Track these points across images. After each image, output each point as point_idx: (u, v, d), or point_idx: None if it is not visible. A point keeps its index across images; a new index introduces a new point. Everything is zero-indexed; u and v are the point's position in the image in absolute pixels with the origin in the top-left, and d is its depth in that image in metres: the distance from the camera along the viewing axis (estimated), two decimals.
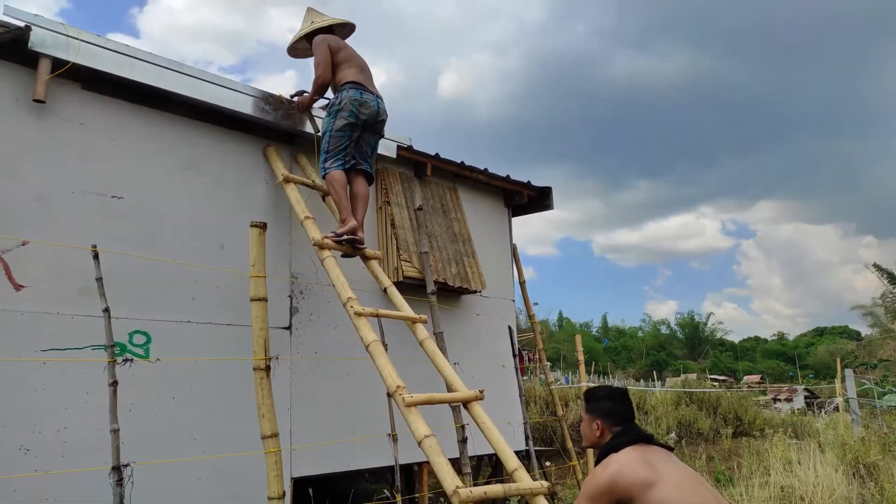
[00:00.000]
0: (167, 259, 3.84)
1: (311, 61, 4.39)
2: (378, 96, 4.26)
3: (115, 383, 2.93)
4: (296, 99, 4.52)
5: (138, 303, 3.72)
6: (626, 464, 2.39)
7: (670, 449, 2.59)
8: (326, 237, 3.96)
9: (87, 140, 3.71)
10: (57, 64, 3.53)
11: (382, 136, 4.51)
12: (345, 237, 4.01)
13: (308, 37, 4.51)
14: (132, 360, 3.55)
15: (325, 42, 4.30)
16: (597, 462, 2.55)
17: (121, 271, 3.65)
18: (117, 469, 2.86)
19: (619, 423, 2.65)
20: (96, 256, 3.04)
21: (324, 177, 4.15)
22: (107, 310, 2.98)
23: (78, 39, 3.60)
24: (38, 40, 3.46)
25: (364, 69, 4.32)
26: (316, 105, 4.56)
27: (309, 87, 4.43)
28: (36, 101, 3.50)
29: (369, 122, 4.20)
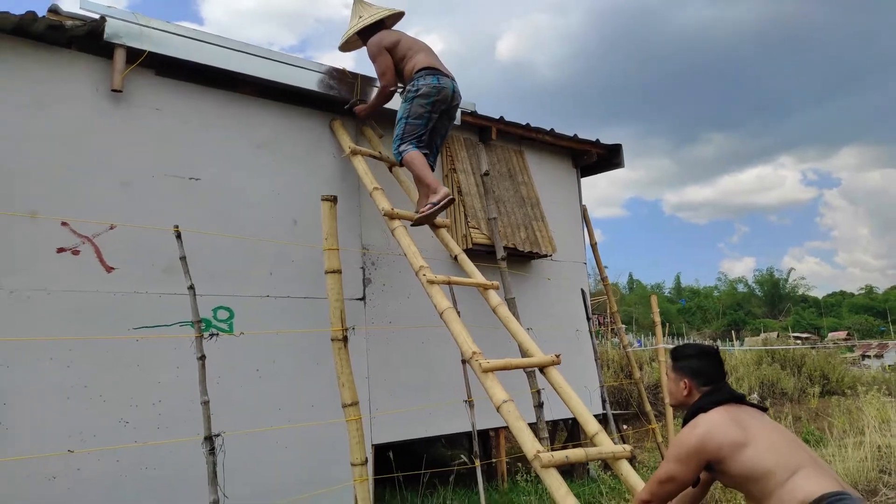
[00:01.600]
0: (244, 237, 3.96)
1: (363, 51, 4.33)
2: (453, 79, 4.14)
3: (203, 357, 3.05)
4: (354, 108, 4.49)
5: (220, 279, 3.86)
6: (716, 424, 2.32)
7: (764, 409, 2.49)
8: (422, 211, 3.92)
9: (163, 125, 3.84)
10: (130, 52, 3.64)
11: (455, 122, 4.42)
12: (442, 202, 3.93)
13: (360, 33, 4.36)
14: (217, 334, 3.69)
15: (382, 45, 4.15)
16: (684, 423, 2.49)
17: (201, 250, 3.79)
18: (209, 439, 2.99)
19: (708, 382, 2.55)
20: (179, 236, 3.15)
21: (400, 162, 4.08)
22: (192, 287, 3.09)
23: (149, 27, 3.70)
24: (113, 31, 3.58)
25: (430, 51, 4.21)
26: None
27: (365, 73, 4.41)
28: (114, 90, 3.63)
29: (445, 108, 4.12)
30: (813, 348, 16.48)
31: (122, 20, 3.60)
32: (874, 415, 6.51)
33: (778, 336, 28.82)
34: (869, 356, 26.65)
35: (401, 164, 4.11)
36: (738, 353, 14.86)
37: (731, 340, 27.19)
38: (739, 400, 2.49)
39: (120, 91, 3.64)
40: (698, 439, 2.31)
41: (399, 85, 4.37)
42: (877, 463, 5.03)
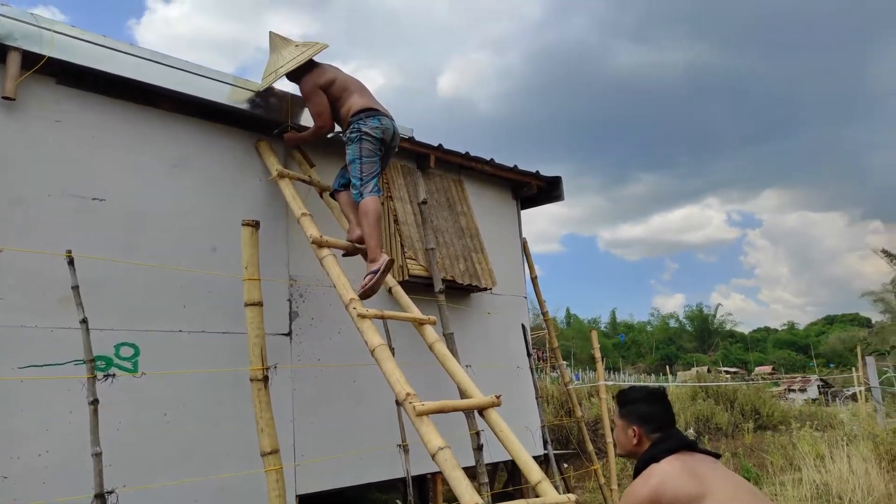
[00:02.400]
0: (155, 264, 3.57)
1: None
2: (391, 118, 3.98)
3: (95, 401, 2.66)
4: (284, 135, 4.22)
5: (125, 313, 3.45)
6: (670, 475, 2.11)
7: (716, 456, 2.31)
8: (364, 284, 3.61)
9: (63, 138, 3.44)
10: (27, 57, 3.26)
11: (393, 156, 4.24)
12: (382, 269, 3.66)
13: (289, 74, 4.02)
14: (114, 375, 3.27)
15: (316, 86, 3.92)
16: (635, 473, 2.27)
17: (105, 279, 3.39)
18: (101, 497, 2.59)
19: (658, 428, 2.37)
20: (71, 262, 2.77)
21: (358, 202, 3.81)
22: (84, 321, 2.71)
23: (50, 30, 3.33)
24: (6, 32, 3.19)
25: (365, 90, 4.02)
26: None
27: (296, 92, 4.13)
28: (6, 97, 3.23)
29: (390, 145, 3.98)
30: (744, 382, 16.84)
31: (18, 20, 3.22)
32: (808, 451, 6.52)
33: (709, 370, 29.54)
34: (794, 390, 27.60)
35: (357, 203, 3.84)
36: (673, 388, 15.01)
37: (666, 374, 27.67)
38: (691, 447, 2.30)
39: (13, 99, 3.24)
40: (651, 492, 2.09)
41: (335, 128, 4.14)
42: (818, 502, 4.97)
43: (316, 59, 4.04)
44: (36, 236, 3.23)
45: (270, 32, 4.10)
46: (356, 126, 3.81)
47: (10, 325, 3.08)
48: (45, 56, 3.25)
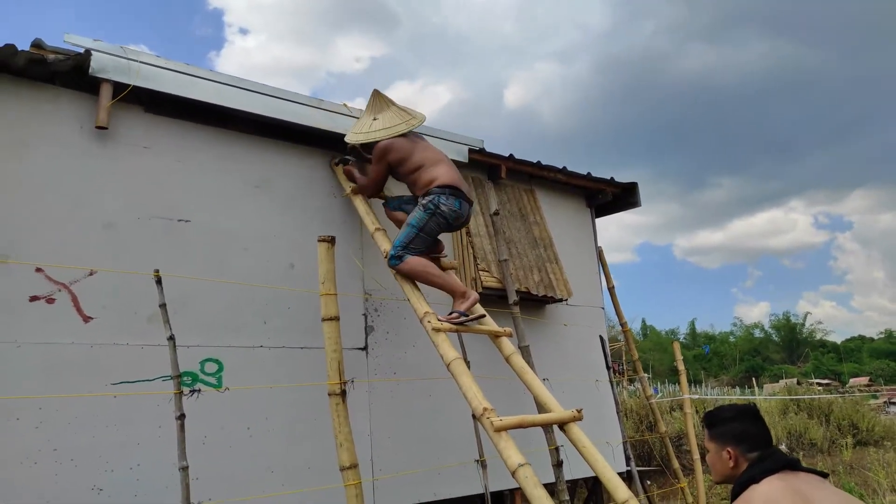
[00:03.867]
0: (236, 281, 3.67)
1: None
2: (471, 203, 3.84)
3: (182, 416, 2.73)
4: (347, 163, 4.22)
5: (209, 329, 3.56)
6: (773, 497, 1.96)
7: (823, 475, 2.13)
8: (443, 319, 3.49)
9: (151, 163, 3.60)
10: (117, 88, 3.44)
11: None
12: (472, 314, 3.57)
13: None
14: (199, 390, 3.37)
15: (386, 157, 3.80)
16: (733, 497, 2.12)
17: (190, 297, 3.51)
18: None
19: (755, 447, 2.20)
20: (159, 281, 2.87)
21: (396, 266, 3.65)
22: (171, 337, 2.80)
23: (137, 61, 3.50)
24: (99, 66, 3.38)
25: (452, 166, 3.84)
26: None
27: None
28: (99, 127, 3.42)
29: (454, 226, 3.83)
30: (839, 395, 15.84)
31: (109, 54, 3.41)
32: None
33: (799, 382, 27.98)
34: (895, 403, 25.75)
35: (393, 268, 3.68)
36: (761, 402, 14.26)
37: (751, 387, 26.38)
38: (794, 466, 2.13)
39: (105, 128, 3.42)
40: None
41: (397, 195, 4.12)
42: None
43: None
44: (126, 258, 3.39)
45: (375, 90, 4.01)
46: (436, 200, 3.64)
47: (103, 343, 3.23)
48: (130, 85, 3.41)
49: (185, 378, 3.32)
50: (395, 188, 4.42)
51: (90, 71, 3.35)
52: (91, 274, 3.27)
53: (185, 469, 2.69)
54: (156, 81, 3.54)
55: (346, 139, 4.04)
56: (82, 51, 3.38)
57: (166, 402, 3.21)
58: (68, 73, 3.39)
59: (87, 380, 3.14)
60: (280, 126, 4.02)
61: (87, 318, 3.22)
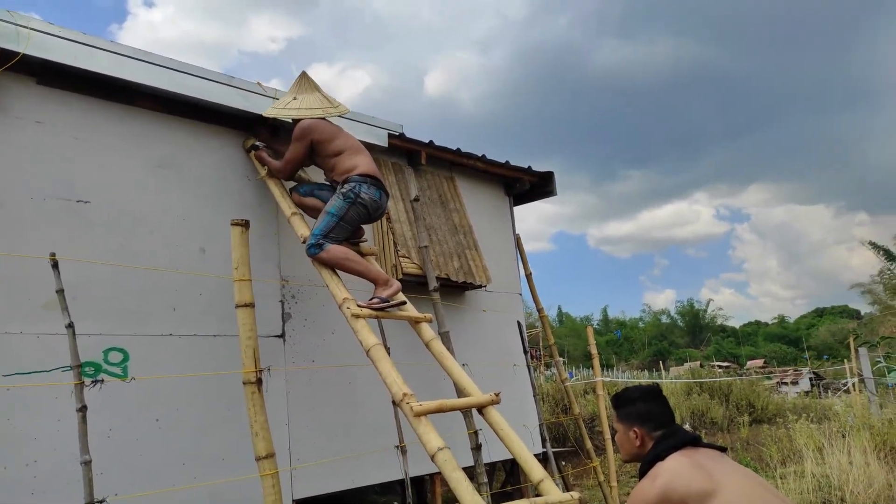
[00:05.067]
0: (142, 266, 3.48)
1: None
2: (388, 194, 3.81)
3: (83, 408, 2.57)
4: (255, 149, 4.05)
5: (113, 317, 3.36)
6: (678, 472, 2.05)
7: (723, 450, 2.25)
8: (363, 305, 3.43)
9: (45, 139, 3.35)
10: (5, 56, 3.16)
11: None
12: (393, 301, 3.53)
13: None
14: (102, 381, 3.18)
15: (309, 136, 3.69)
16: (641, 474, 2.21)
17: (92, 283, 3.30)
18: None
19: (659, 426, 2.31)
20: (56, 265, 2.68)
21: (315, 255, 3.55)
22: (70, 325, 2.62)
23: (27, 28, 3.23)
24: None
25: (371, 158, 3.79)
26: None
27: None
28: None
29: (372, 217, 3.77)
30: (737, 377, 16.87)
31: None
32: (806, 443, 6.50)
33: (702, 365, 29.61)
34: (786, 383, 27.73)
35: (312, 257, 3.58)
36: (668, 384, 15.00)
37: (659, 370, 27.72)
38: (696, 442, 2.25)
39: None
40: (660, 491, 2.03)
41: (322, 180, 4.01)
42: (819, 494, 4.94)
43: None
44: (19, 240, 3.14)
45: (303, 72, 3.92)
46: (357, 189, 3.58)
47: None
48: (20, 53, 3.15)
49: (86, 368, 3.12)
50: (308, 174, 4.32)
51: None
52: None
53: (87, 463, 2.53)
54: (49, 51, 3.28)
55: (264, 113, 3.91)
56: None
57: (66, 394, 3.01)
58: None
59: None
60: (189, 103, 3.83)
61: None
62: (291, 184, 4.09)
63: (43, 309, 3.13)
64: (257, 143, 4.09)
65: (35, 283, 3.11)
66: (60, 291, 2.67)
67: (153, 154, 3.71)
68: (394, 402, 3.24)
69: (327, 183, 3.91)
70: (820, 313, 66.76)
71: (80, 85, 3.48)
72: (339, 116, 4.01)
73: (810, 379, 28.37)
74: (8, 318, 3.05)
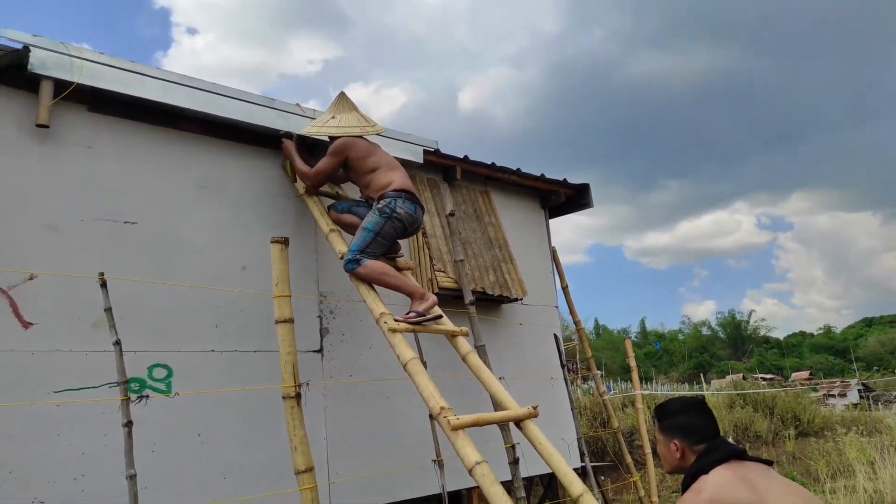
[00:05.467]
0: (186, 284, 3.58)
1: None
2: (424, 208, 3.86)
3: (129, 423, 2.65)
4: (282, 140, 4.08)
5: (158, 334, 3.46)
6: (722, 486, 2.02)
7: (769, 464, 2.21)
8: (400, 319, 3.47)
9: (95, 164, 3.49)
10: (59, 85, 3.31)
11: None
12: (430, 314, 3.57)
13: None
14: (147, 396, 3.27)
15: (344, 153, 3.77)
16: (683, 488, 2.18)
17: (138, 301, 3.41)
18: None
19: (702, 439, 2.27)
20: (104, 285, 2.78)
21: (353, 270, 3.60)
22: (118, 342, 2.71)
23: (80, 58, 3.38)
24: (39, 62, 3.25)
25: (406, 174, 3.84)
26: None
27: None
28: (39, 125, 3.29)
29: (408, 232, 3.81)
30: (781, 389, 16.42)
31: (50, 50, 3.28)
32: (857, 457, 6.29)
33: (744, 377, 28.90)
34: (833, 395, 26.86)
35: (350, 272, 3.63)
36: (709, 397, 14.69)
37: (700, 383, 27.13)
38: (741, 455, 2.20)
39: (46, 126, 3.29)
40: None
41: (350, 197, 4.10)
42: None
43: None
44: (70, 261, 3.27)
45: (342, 92, 4.01)
46: (392, 204, 3.62)
47: (45, 350, 3.11)
48: (73, 83, 3.30)
49: (132, 384, 3.22)
50: (346, 191, 4.39)
51: (29, 67, 3.22)
52: (31, 278, 3.14)
53: (132, 478, 2.61)
54: (100, 79, 3.43)
55: (302, 131, 4.00)
56: (21, 46, 3.24)
57: (113, 409, 3.10)
58: (6, 70, 3.25)
59: (28, 388, 3.02)
60: (231, 126, 3.94)
61: (27, 324, 3.09)
62: (329, 202, 4.16)
63: (92, 327, 3.24)
64: (289, 132, 4.08)
65: (84, 303, 3.23)
66: (108, 310, 2.76)
67: (196, 175, 3.83)
68: (431, 416, 3.26)
69: (363, 200, 3.97)
70: (868, 323, 64.65)
71: (127, 111, 3.62)
72: (377, 134, 4.07)
73: (859, 391, 27.44)
74: (59, 336, 3.16)
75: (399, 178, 3.75)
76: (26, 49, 3.24)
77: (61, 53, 3.34)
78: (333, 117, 3.92)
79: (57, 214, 3.31)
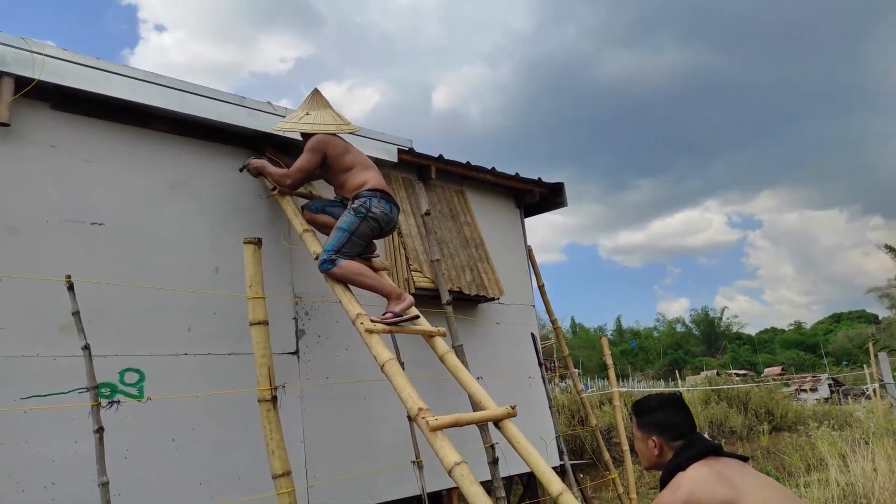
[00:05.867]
0: (157, 286, 3.50)
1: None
2: (399, 208, 3.85)
3: (100, 429, 2.58)
4: (249, 161, 3.98)
5: (128, 338, 3.38)
6: (700, 482, 2.02)
7: (744, 459, 2.22)
8: (377, 320, 3.43)
9: (60, 163, 3.39)
10: (20, 82, 3.21)
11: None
12: (406, 315, 3.54)
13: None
14: (119, 401, 3.19)
15: (323, 149, 3.70)
16: (661, 484, 2.18)
17: (107, 304, 3.32)
18: None
19: (679, 435, 2.28)
20: (71, 287, 2.71)
21: (328, 270, 3.55)
22: (86, 347, 2.64)
23: (42, 54, 3.28)
24: None
25: (380, 173, 3.82)
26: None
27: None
28: None
29: (383, 231, 3.78)
30: (755, 384, 16.68)
31: (10, 46, 3.18)
32: (829, 451, 6.40)
33: (718, 374, 29.33)
34: (805, 390, 27.40)
35: (325, 272, 3.58)
36: (685, 393, 14.86)
37: (675, 380, 27.47)
38: (717, 451, 2.21)
39: (7, 125, 3.19)
40: (683, 502, 2.00)
41: (328, 196, 4.06)
42: (844, 502, 4.85)
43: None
44: (35, 263, 3.17)
45: (315, 89, 3.95)
46: (367, 203, 3.60)
47: (11, 355, 3.01)
48: (35, 80, 3.20)
49: (102, 389, 3.14)
50: (319, 191, 4.34)
51: None
52: None
53: (105, 485, 2.54)
54: (64, 76, 3.33)
55: (274, 126, 3.94)
56: None
57: (83, 415, 3.02)
58: None
59: None
60: (200, 124, 3.86)
61: None
62: (303, 201, 4.11)
63: (59, 331, 3.15)
64: (250, 159, 3.99)
65: (51, 306, 3.14)
66: (76, 313, 2.69)
67: (166, 175, 3.75)
68: (409, 417, 3.23)
69: (338, 200, 3.93)
70: (837, 319, 66.05)
71: (93, 109, 3.53)
72: (351, 132, 4.03)
73: (829, 385, 28.02)
74: (25, 341, 3.07)
75: (374, 178, 3.72)
76: None
77: (22, 49, 3.23)
78: (307, 114, 3.87)
79: (19, 215, 3.20)
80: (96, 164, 3.51)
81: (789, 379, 32.26)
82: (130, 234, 3.53)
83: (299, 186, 3.96)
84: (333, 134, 3.80)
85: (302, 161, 3.76)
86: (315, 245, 3.71)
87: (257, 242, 3.30)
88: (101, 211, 3.45)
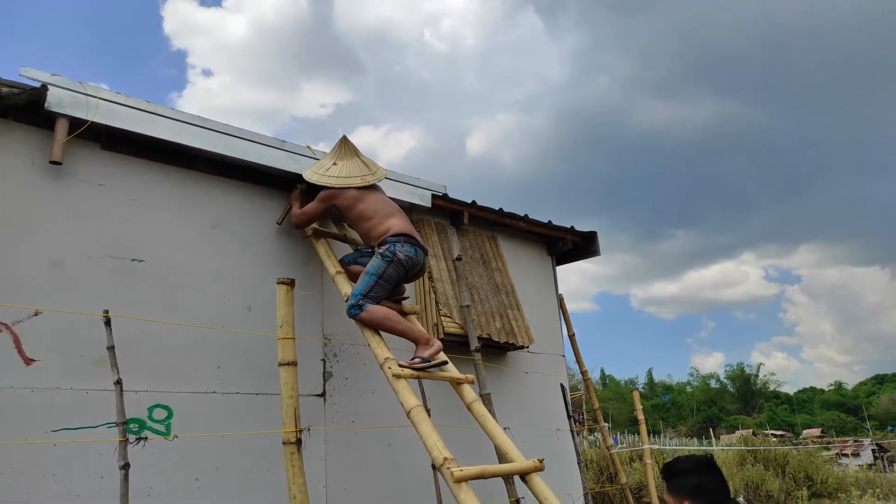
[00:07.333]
0: (190, 323, 3.55)
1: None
2: (426, 251, 3.89)
3: (126, 466, 2.59)
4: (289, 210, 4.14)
5: (159, 374, 3.41)
6: None
7: None
8: (405, 365, 3.42)
9: (105, 201, 3.51)
10: (74, 123, 3.36)
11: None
12: (434, 360, 3.53)
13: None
14: (146, 438, 3.20)
15: (331, 201, 3.89)
16: None
17: (140, 340, 3.37)
18: None
19: (713, 501, 2.19)
20: (108, 322, 2.76)
21: (356, 315, 3.59)
22: (119, 382, 2.67)
23: (96, 97, 3.44)
24: (55, 100, 3.31)
25: (403, 215, 3.91)
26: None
27: None
28: (53, 162, 3.32)
29: (410, 274, 3.83)
30: (793, 446, 16.03)
31: (67, 89, 3.34)
32: None
33: (755, 433, 28.28)
34: (846, 454, 26.20)
35: (353, 317, 3.61)
36: (719, 453, 14.33)
37: (709, 438, 26.56)
38: None
39: (59, 163, 3.32)
40: None
41: (357, 244, 4.18)
42: None
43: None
44: (74, 298, 3.25)
45: (344, 136, 4.07)
46: (392, 248, 3.66)
47: (45, 388, 3.06)
48: (88, 121, 3.34)
49: (131, 425, 3.16)
50: (343, 249, 4.39)
51: (46, 105, 3.27)
52: (36, 314, 3.12)
53: None
54: (115, 118, 3.48)
55: (304, 175, 4.04)
56: (39, 85, 3.30)
57: (111, 450, 3.04)
58: (23, 108, 3.31)
59: (27, 426, 2.97)
60: (241, 166, 3.98)
61: (29, 361, 3.06)
62: (338, 244, 4.16)
63: (93, 365, 3.20)
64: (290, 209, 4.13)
65: (87, 340, 3.20)
66: (111, 348, 2.73)
67: (207, 215, 3.84)
68: (434, 467, 3.17)
69: (368, 250, 3.98)
70: (880, 380, 63.52)
71: (141, 150, 3.66)
72: (378, 181, 4.08)
73: (873, 451, 26.76)
74: (60, 373, 3.12)
75: (398, 224, 3.78)
76: (44, 87, 3.29)
77: (78, 92, 3.39)
78: (335, 164, 3.97)
79: (63, 250, 3.31)
80: (140, 202, 3.62)
81: (829, 442, 30.93)
82: (168, 271, 3.60)
83: (302, 227, 4.08)
84: (350, 187, 3.88)
85: (309, 206, 3.96)
86: (346, 287, 3.73)
87: (290, 283, 3.34)
88: (141, 248, 3.54)
